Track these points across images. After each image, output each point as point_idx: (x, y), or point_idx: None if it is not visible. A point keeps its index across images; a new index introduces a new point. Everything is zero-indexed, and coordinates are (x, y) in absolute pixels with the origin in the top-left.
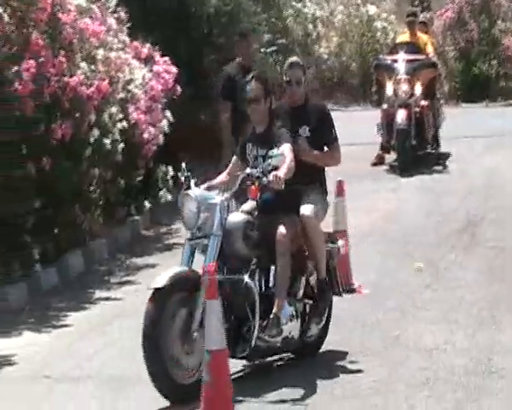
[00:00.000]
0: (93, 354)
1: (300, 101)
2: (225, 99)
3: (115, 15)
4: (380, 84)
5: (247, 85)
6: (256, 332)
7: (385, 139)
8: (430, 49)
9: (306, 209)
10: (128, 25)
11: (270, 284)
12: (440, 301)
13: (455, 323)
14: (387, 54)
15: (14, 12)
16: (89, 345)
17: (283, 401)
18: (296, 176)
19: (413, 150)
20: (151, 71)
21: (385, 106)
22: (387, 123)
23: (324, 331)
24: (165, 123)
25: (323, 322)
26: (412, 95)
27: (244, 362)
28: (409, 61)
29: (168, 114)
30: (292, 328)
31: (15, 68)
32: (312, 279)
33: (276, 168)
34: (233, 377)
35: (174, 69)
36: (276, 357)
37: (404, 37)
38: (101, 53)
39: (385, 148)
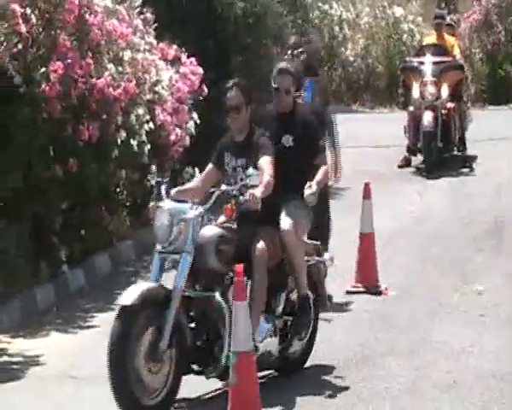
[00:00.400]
0: None
1: (288, 108)
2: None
3: (141, 16)
4: (406, 86)
5: (228, 92)
6: (226, 351)
7: (411, 141)
8: (457, 52)
9: (286, 222)
10: (154, 26)
11: (221, 301)
12: (468, 303)
13: (482, 326)
14: (414, 56)
15: (42, 13)
16: None
17: (308, 403)
18: (279, 187)
19: (439, 152)
20: (178, 72)
21: (411, 108)
22: (414, 125)
23: (309, 347)
24: (191, 124)
25: (307, 338)
26: (439, 97)
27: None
28: (435, 64)
29: (195, 115)
30: (269, 345)
31: (43, 70)
32: (293, 295)
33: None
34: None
35: (201, 70)
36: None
37: (431, 39)
38: (128, 54)
39: (411, 150)
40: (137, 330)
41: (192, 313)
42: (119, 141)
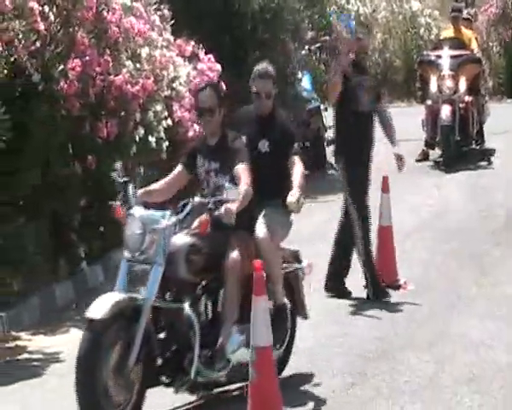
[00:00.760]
0: None
1: (267, 111)
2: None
3: (159, 13)
4: (424, 80)
5: (201, 94)
6: (195, 365)
7: (429, 135)
8: (474, 45)
9: (262, 229)
10: (171, 22)
11: (190, 313)
12: (486, 296)
13: (501, 319)
14: (431, 50)
15: (60, 11)
16: None
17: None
18: (254, 194)
19: (457, 146)
20: (195, 69)
21: (429, 102)
22: (432, 119)
23: (286, 356)
24: None
25: (283, 348)
26: (456, 91)
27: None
28: (453, 57)
29: None
30: (242, 356)
31: (61, 67)
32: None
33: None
34: None
35: (218, 67)
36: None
37: (449, 32)
38: (145, 51)
39: (429, 144)
40: (107, 345)
41: (161, 324)
42: (137, 138)
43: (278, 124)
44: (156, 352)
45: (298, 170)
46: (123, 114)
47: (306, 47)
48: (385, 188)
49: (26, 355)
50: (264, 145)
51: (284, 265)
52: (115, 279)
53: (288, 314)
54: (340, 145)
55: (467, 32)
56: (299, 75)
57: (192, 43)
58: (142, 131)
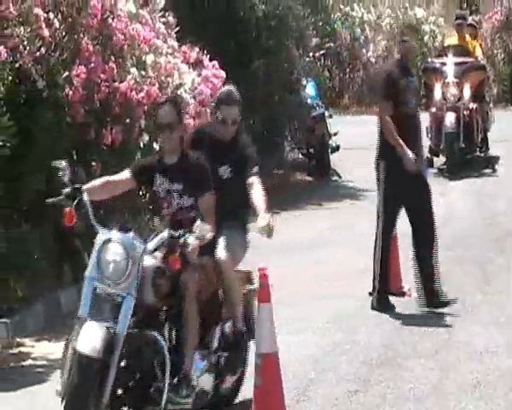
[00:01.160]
0: None
1: (228, 138)
2: (386, 99)
3: (163, 20)
4: (428, 87)
5: (161, 109)
6: (165, 395)
7: (433, 142)
8: (479, 52)
9: (222, 251)
10: (176, 29)
11: (160, 339)
12: (490, 304)
13: (505, 326)
14: (436, 57)
15: (65, 18)
16: None
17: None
18: (217, 215)
19: (462, 153)
20: (200, 75)
21: (433, 109)
22: (436, 126)
23: (240, 380)
24: None
25: (238, 375)
26: (461, 98)
27: None
28: (457, 64)
29: None
30: (205, 383)
31: (66, 74)
32: (227, 328)
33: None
34: None
35: (223, 73)
36: None
37: (453, 40)
38: (151, 58)
39: (434, 151)
40: (95, 379)
41: (123, 351)
42: (141, 144)
43: (240, 149)
44: (116, 382)
45: (259, 191)
46: (128, 120)
47: (311, 54)
48: None
49: (30, 361)
50: (225, 171)
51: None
52: None
53: (245, 338)
54: (383, 149)
55: (471, 40)
56: (304, 82)
57: (196, 49)
58: (146, 137)
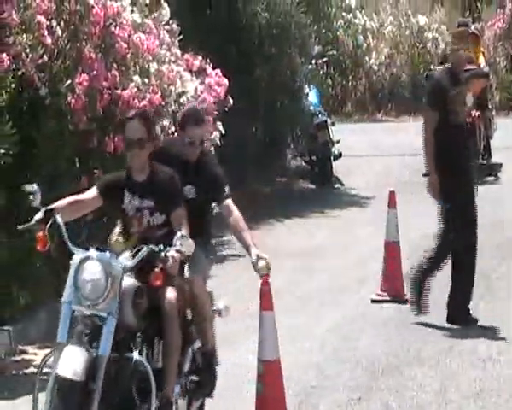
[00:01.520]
0: None
1: (194, 158)
2: (433, 109)
3: (167, 27)
4: None
5: (129, 124)
6: None
7: None
8: (481, 60)
9: (194, 269)
10: (180, 37)
11: (143, 362)
12: (493, 311)
13: (508, 333)
14: (439, 64)
15: (67, 25)
16: None
17: None
18: None
19: None
20: (202, 83)
21: None
22: None
23: (202, 407)
24: (216, 135)
25: (205, 397)
26: None
27: None
28: None
29: (220, 126)
30: (180, 409)
31: (68, 82)
32: (197, 349)
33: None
34: None
35: (226, 82)
36: None
37: None
38: (154, 66)
39: None
40: (77, 405)
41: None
42: None
43: (207, 169)
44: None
45: (239, 218)
46: None
47: (313, 61)
48: (391, 203)
49: (32, 369)
50: (190, 191)
51: None
52: None
53: (216, 360)
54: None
55: (473, 47)
56: (306, 89)
57: (199, 57)
58: None
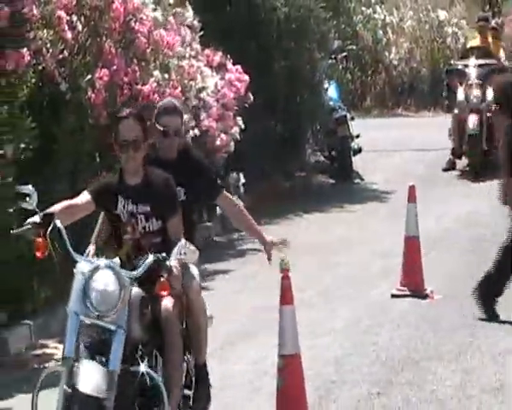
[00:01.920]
0: None
1: (173, 154)
2: (503, 111)
3: (188, 22)
4: (451, 89)
5: (122, 124)
6: None
7: (456, 144)
8: (502, 54)
9: (188, 275)
10: (201, 33)
11: (154, 374)
12: None
13: None
14: (459, 59)
15: (88, 21)
16: None
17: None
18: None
19: (484, 155)
20: (223, 79)
21: (456, 111)
22: (459, 128)
23: None
24: (236, 130)
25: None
26: (483, 100)
27: None
28: (480, 66)
29: (239, 121)
30: None
31: (89, 77)
32: (191, 361)
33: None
34: None
35: (246, 77)
36: None
37: (476, 42)
38: (174, 62)
39: (456, 153)
40: None
41: None
42: None
43: (193, 167)
44: None
45: (241, 208)
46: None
47: (333, 56)
48: (411, 198)
49: (52, 363)
50: (179, 193)
51: None
52: None
53: (208, 372)
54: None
55: (494, 42)
56: (326, 84)
57: (220, 53)
58: None
